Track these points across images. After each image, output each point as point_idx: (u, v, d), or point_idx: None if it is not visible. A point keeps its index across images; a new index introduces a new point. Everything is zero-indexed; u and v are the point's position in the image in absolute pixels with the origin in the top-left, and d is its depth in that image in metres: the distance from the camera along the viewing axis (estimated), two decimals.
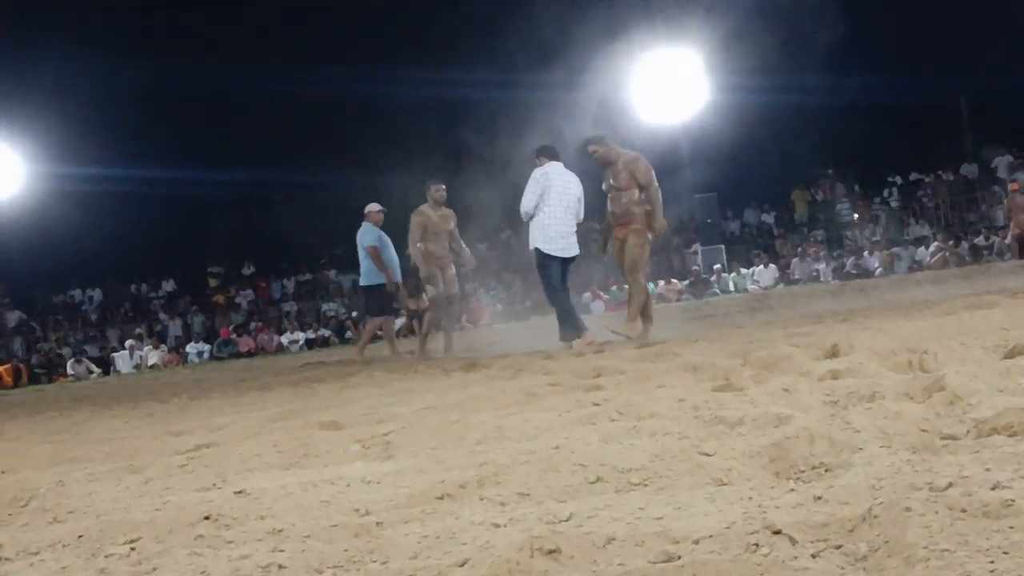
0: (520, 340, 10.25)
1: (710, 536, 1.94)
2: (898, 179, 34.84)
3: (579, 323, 10.11)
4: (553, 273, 10.27)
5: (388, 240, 13.25)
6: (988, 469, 2.18)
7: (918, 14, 32.00)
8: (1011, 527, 1.74)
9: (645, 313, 10.29)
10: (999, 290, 9.61)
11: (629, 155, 10.27)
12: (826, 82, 33.45)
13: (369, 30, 36.99)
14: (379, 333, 13.87)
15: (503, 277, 31.89)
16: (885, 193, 34.44)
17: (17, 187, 33.49)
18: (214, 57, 35.54)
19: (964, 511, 1.84)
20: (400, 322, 27.58)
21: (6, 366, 28.24)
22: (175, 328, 35.24)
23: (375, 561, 2.10)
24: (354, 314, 33.20)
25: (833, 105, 36.22)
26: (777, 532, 1.89)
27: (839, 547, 1.85)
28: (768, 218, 36.17)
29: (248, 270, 38.96)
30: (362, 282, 13.59)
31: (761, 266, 30.49)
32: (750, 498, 2.28)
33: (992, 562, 1.63)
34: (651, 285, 28.97)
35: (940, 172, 34.18)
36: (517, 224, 10.83)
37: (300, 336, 31.57)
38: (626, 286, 10.63)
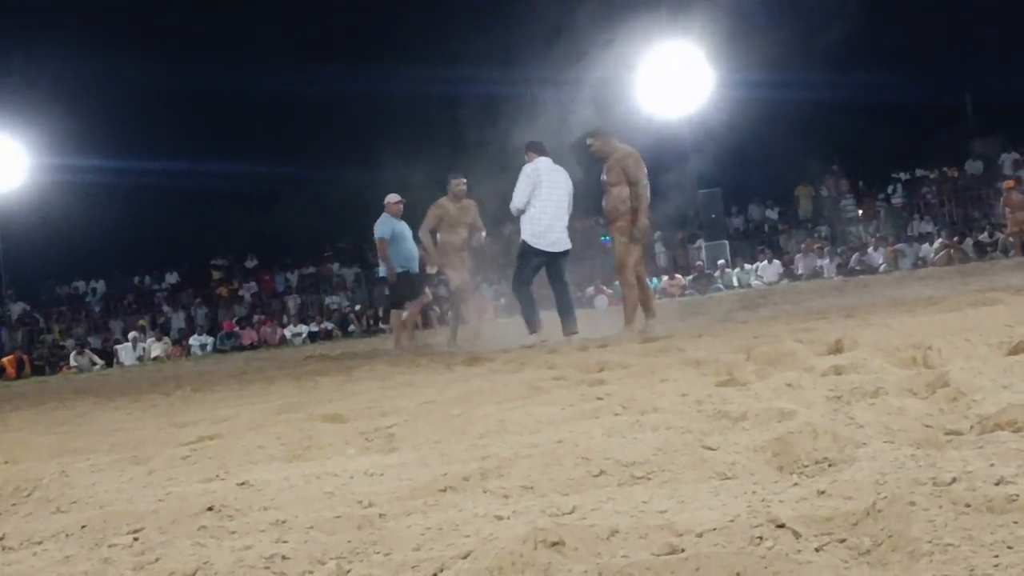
0: (523, 334, 10.23)
1: (714, 529, 1.94)
2: (903, 175, 34.80)
3: (535, 322, 10.08)
4: (529, 266, 10.27)
5: (405, 231, 13.11)
6: (992, 464, 2.17)
7: (923, 11, 31.98)
8: (1015, 522, 1.74)
9: (647, 307, 10.26)
10: (1003, 287, 9.60)
11: (622, 150, 10.17)
12: (831, 78, 33.45)
13: (373, 25, 37.01)
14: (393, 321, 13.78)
15: (506, 272, 31.87)
16: (889, 190, 34.41)
17: (21, 179, 33.49)
18: (220, 51, 35.61)
19: (968, 506, 1.84)
20: (403, 314, 27.66)
21: (9, 357, 28.29)
22: (178, 320, 35.27)
23: (378, 553, 2.10)
24: (357, 307, 33.23)
25: (838, 101, 36.21)
26: (781, 526, 1.89)
27: (843, 541, 1.85)
28: (772, 214, 36.15)
29: (251, 263, 38.99)
30: (380, 272, 13.53)
31: (765, 262, 30.46)
32: (754, 492, 2.28)
33: (996, 557, 1.63)
34: (654, 280, 29.06)
35: (945, 169, 34.13)
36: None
37: (303, 329, 31.58)
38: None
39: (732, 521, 1.98)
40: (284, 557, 2.07)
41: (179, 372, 15.50)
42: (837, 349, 5.04)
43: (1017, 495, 1.84)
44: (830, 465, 2.55)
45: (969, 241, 28.35)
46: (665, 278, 29.94)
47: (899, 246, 29.22)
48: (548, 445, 2.98)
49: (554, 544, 1.88)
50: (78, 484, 3.23)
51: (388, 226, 12.98)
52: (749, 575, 1.67)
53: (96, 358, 28.91)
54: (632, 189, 10.00)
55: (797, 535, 1.86)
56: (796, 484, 2.32)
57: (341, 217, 38.45)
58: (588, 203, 10.70)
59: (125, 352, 29.65)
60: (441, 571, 1.92)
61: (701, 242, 32.78)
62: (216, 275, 38.37)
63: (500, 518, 2.25)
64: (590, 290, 28.38)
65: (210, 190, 38.23)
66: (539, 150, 10.42)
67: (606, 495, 2.37)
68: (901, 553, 1.72)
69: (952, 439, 2.72)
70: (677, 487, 2.42)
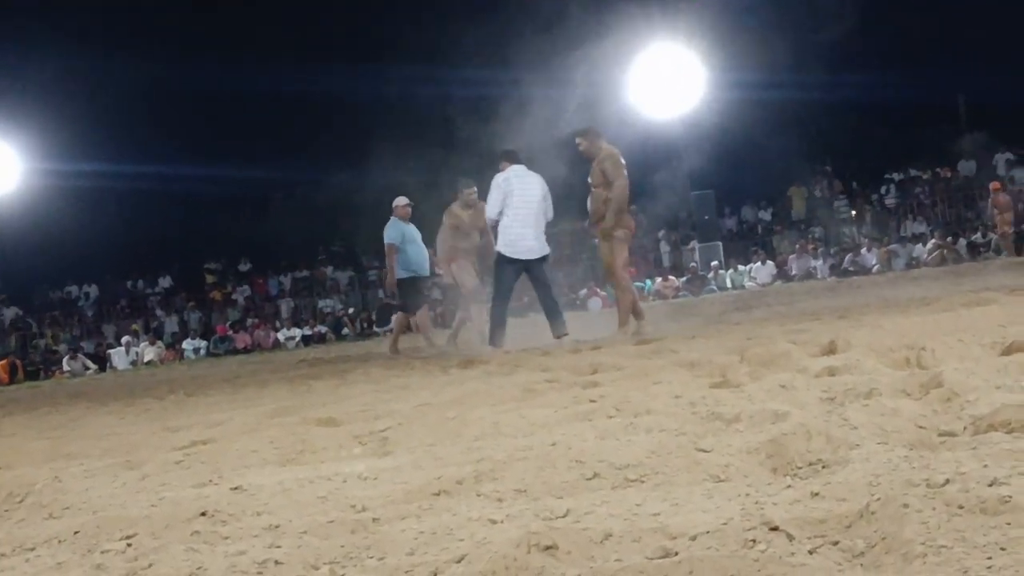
0: (517, 336, 10.23)
1: (707, 532, 1.94)
2: (896, 176, 34.84)
3: (498, 337, 10.02)
4: (504, 276, 10.26)
5: (414, 234, 12.98)
6: (985, 465, 2.18)
7: (916, 11, 32.03)
8: (1008, 523, 1.74)
9: (634, 308, 10.25)
10: (997, 287, 9.61)
11: (605, 151, 10.10)
12: (823, 79, 33.50)
13: (369, 28, 36.96)
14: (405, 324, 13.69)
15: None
16: (883, 190, 34.45)
17: (14, 183, 33.42)
18: (212, 54, 35.57)
19: (961, 507, 1.84)
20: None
21: (2, 362, 28.23)
22: (171, 324, 35.23)
23: (372, 557, 2.10)
24: (351, 310, 33.21)
25: (831, 102, 36.25)
26: (774, 528, 1.89)
27: (836, 543, 1.85)
28: (765, 215, 36.19)
29: (245, 266, 38.96)
30: (400, 275, 13.39)
31: (758, 263, 30.49)
32: (747, 494, 2.28)
33: (989, 558, 1.63)
34: (647, 282, 29.10)
35: (938, 169, 34.19)
36: None
37: (297, 332, 31.56)
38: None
39: (726, 524, 1.98)
40: (278, 562, 2.07)
41: (172, 376, 15.49)
42: (830, 350, 5.04)
43: (1010, 496, 1.84)
44: (824, 467, 2.56)
45: (962, 241, 28.43)
46: (659, 279, 29.96)
47: (892, 247, 29.27)
48: (542, 448, 2.98)
49: (548, 548, 1.88)
50: (71, 489, 3.22)
51: (398, 230, 12.82)
52: None
53: (89, 362, 28.86)
54: (611, 188, 9.97)
55: (791, 537, 1.86)
56: (790, 486, 2.32)
57: (334, 221, 38.47)
58: (581, 205, 10.67)
59: (118, 356, 29.61)
60: (435, 575, 1.92)
61: (694, 243, 32.80)
62: (209, 279, 38.34)
63: (494, 522, 2.25)
64: (583, 292, 28.40)
65: (203, 194, 38.21)
66: (511, 158, 10.42)
67: (600, 498, 2.37)
68: (895, 555, 1.73)
69: (946, 440, 2.72)
70: (671, 490, 2.42)
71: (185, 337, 32.50)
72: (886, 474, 2.27)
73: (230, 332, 32.19)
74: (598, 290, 28.17)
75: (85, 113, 34.08)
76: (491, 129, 15.71)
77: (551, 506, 2.33)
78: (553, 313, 10.19)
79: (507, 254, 10.20)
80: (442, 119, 28.22)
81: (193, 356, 30.08)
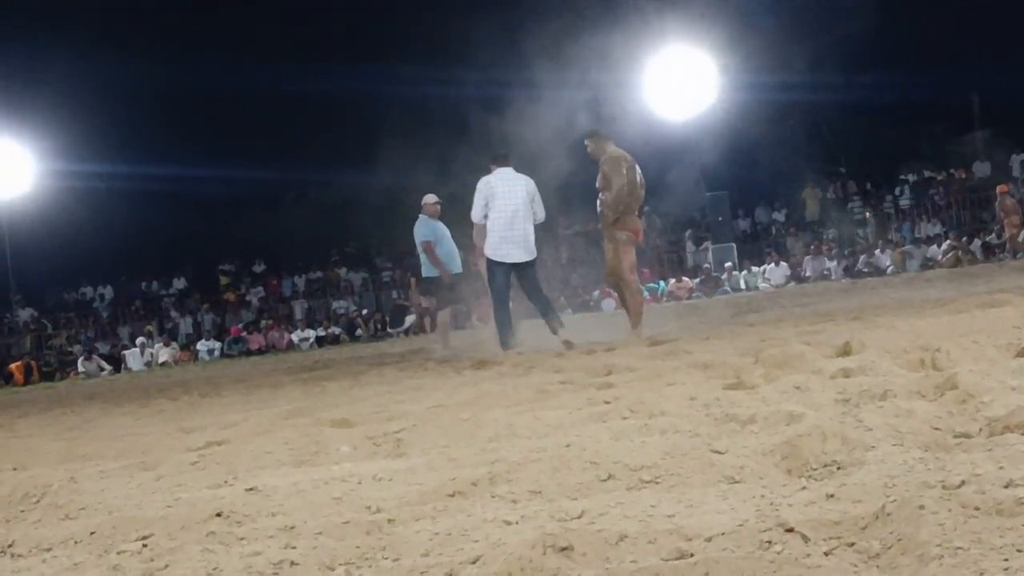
0: (529, 337, 10.23)
1: (723, 533, 1.93)
2: (910, 177, 34.74)
3: (508, 338, 10.02)
4: (496, 279, 10.25)
5: (445, 232, 12.99)
6: (1001, 467, 2.17)
7: (930, 11, 31.93)
8: None
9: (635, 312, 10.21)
10: (1011, 288, 9.57)
11: (609, 153, 10.03)
12: (837, 80, 33.46)
13: (385, 29, 37.02)
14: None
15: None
16: (897, 191, 34.35)
17: (28, 185, 33.53)
18: (229, 56, 35.66)
19: (977, 509, 1.84)
20: (410, 319, 27.69)
21: (17, 364, 28.33)
22: (186, 326, 35.34)
23: (387, 558, 2.11)
24: (364, 311, 33.25)
25: (845, 103, 36.21)
26: (790, 530, 1.89)
27: (852, 545, 1.85)
28: (779, 216, 36.12)
29: (259, 268, 39.05)
30: (424, 273, 13.41)
31: (772, 264, 30.43)
32: (762, 496, 2.28)
33: (1006, 560, 1.62)
34: (661, 283, 29.10)
35: (952, 170, 34.07)
36: None
37: (310, 333, 31.60)
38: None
39: (741, 525, 1.98)
40: (293, 563, 2.07)
41: (187, 377, 15.53)
42: (845, 351, 5.02)
43: None
44: (839, 468, 2.55)
45: (977, 243, 28.31)
46: (672, 281, 29.94)
47: (907, 248, 29.18)
48: (556, 449, 2.97)
49: (563, 549, 1.88)
50: (87, 490, 3.23)
51: (429, 228, 12.83)
52: None
53: (104, 364, 28.93)
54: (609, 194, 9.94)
55: (806, 539, 1.86)
56: (805, 488, 2.32)
57: (348, 221, 38.54)
58: (595, 207, 10.65)
59: (133, 358, 29.69)
60: None
61: (708, 245, 32.77)
62: (223, 280, 38.44)
63: (509, 523, 2.25)
64: (596, 293, 28.39)
65: (217, 195, 38.37)
66: (498, 161, 10.40)
67: (614, 499, 2.37)
68: (910, 557, 1.72)
69: (961, 442, 2.71)
70: (686, 491, 2.42)
71: (199, 338, 32.58)
72: (901, 476, 2.27)
73: (244, 333, 32.24)
74: (611, 291, 28.11)
75: (100, 115, 34.25)
76: (504, 129, 15.70)
77: (566, 507, 2.33)
78: (546, 312, 10.15)
79: (493, 257, 10.20)
80: (455, 119, 28.22)
81: (207, 357, 30.14)
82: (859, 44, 30.46)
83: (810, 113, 36.70)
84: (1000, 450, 2.39)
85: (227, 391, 9.13)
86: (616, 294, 10.27)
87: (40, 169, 33.58)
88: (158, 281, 38.91)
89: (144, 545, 2.38)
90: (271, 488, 2.90)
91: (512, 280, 10.31)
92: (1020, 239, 26.00)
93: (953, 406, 3.10)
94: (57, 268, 37.03)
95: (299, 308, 35.85)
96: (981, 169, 33.58)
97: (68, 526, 2.78)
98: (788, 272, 29.98)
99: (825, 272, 29.23)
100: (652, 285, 27.94)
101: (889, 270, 27.56)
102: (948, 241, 28.27)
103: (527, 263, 10.28)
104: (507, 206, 10.14)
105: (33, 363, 29.03)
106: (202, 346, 31.32)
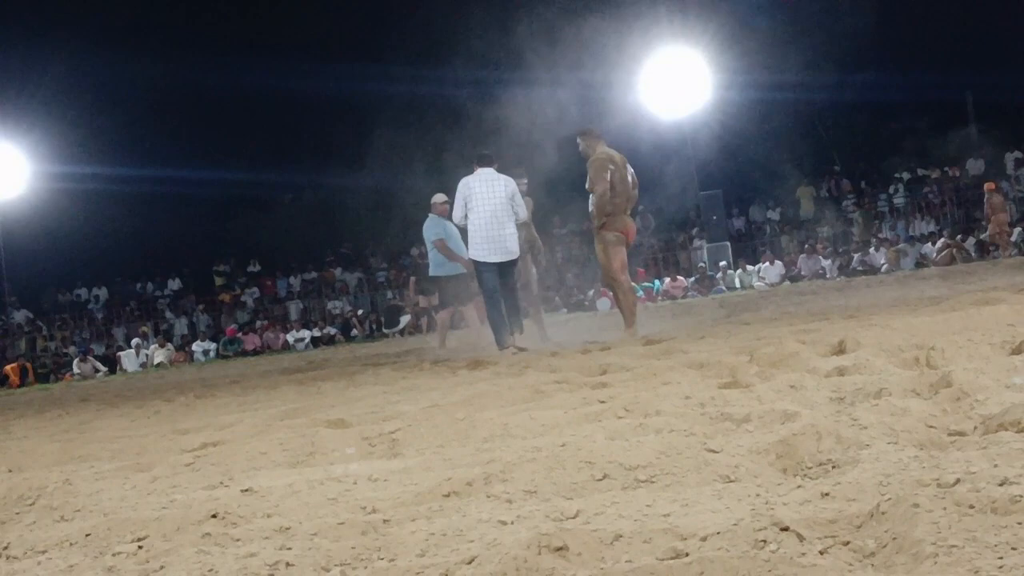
0: (528, 337, 10.23)
1: (718, 533, 1.94)
2: (904, 175, 34.78)
3: (502, 337, 10.03)
4: (485, 279, 10.25)
5: (454, 231, 12.94)
6: (996, 465, 2.17)
7: (924, 10, 31.99)
8: (1019, 523, 1.74)
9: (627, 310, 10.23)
10: (1006, 286, 9.59)
11: (596, 154, 10.06)
12: (831, 79, 33.48)
13: (379, 29, 37.02)
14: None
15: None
16: (891, 190, 34.39)
17: (23, 186, 33.47)
18: (222, 56, 35.61)
19: (972, 507, 1.84)
20: (405, 319, 27.67)
21: (12, 365, 28.28)
22: (181, 327, 35.29)
23: (382, 559, 2.11)
24: (360, 312, 33.23)
25: (839, 101, 36.24)
26: (785, 529, 1.89)
27: (847, 543, 1.85)
28: (774, 215, 36.13)
29: (254, 268, 39.02)
30: (431, 272, 13.41)
31: (767, 263, 30.42)
32: (757, 495, 2.28)
33: (1001, 558, 1.62)
34: (656, 282, 29.10)
35: (946, 168, 34.11)
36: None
37: (306, 334, 31.57)
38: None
39: (736, 524, 1.98)
40: (288, 564, 2.07)
41: (182, 378, 15.51)
42: (840, 350, 5.03)
43: (1021, 496, 1.84)
44: (833, 467, 2.56)
45: (971, 240, 28.33)
46: (667, 280, 29.94)
47: (901, 246, 29.20)
48: (551, 449, 2.97)
49: (558, 549, 1.88)
50: (82, 492, 3.23)
51: (440, 226, 12.83)
52: None
53: (99, 365, 28.90)
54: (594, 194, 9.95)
55: (801, 538, 1.86)
56: (800, 486, 2.32)
57: (343, 222, 38.53)
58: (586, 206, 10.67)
59: (128, 359, 29.65)
60: None
61: (703, 243, 32.78)
62: (218, 281, 38.42)
63: (504, 523, 2.25)
64: (591, 292, 28.39)
65: (212, 196, 38.38)
66: (480, 161, 10.38)
67: (610, 499, 2.37)
68: (905, 555, 1.72)
69: (955, 440, 2.72)
70: (681, 490, 2.42)
71: (195, 339, 32.54)
72: (896, 474, 2.27)
73: (239, 334, 32.21)
74: (607, 291, 28.14)
75: (94, 116, 34.22)
76: (499, 130, 15.70)
77: (561, 507, 2.33)
78: (512, 313, 10.17)
79: (476, 259, 10.21)
80: (450, 120, 28.23)
81: (203, 358, 30.11)
82: (853, 43, 30.53)
83: (804, 112, 36.74)
84: (995, 448, 2.39)
85: (222, 392, 9.12)
86: (612, 294, 10.25)
87: (34, 170, 33.52)
88: (153, 282, 38.85)
89: (139, 547, 2.38)
90: (266, 489, 2.90)
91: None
92: (1013, 238, 26.04)
93: (948, 404, 3.10)
94: (52, 269, 37.00)
95: (294, 309, 35.80)
96: (975, 167, 33.60)
97: (63, 528, 2.78)
98: (783, 271, 29.96)
99: (820, 271, 29.23)
100: (647, 284, 27.94)
101: (883, 268, 27.57)
102: (942, 239, 28.29)
103: (508, 263, 10.30)
104: (485, 207, 10.12)
105: (28, 365, 28.99)
106: (197, 347, 31.28)
